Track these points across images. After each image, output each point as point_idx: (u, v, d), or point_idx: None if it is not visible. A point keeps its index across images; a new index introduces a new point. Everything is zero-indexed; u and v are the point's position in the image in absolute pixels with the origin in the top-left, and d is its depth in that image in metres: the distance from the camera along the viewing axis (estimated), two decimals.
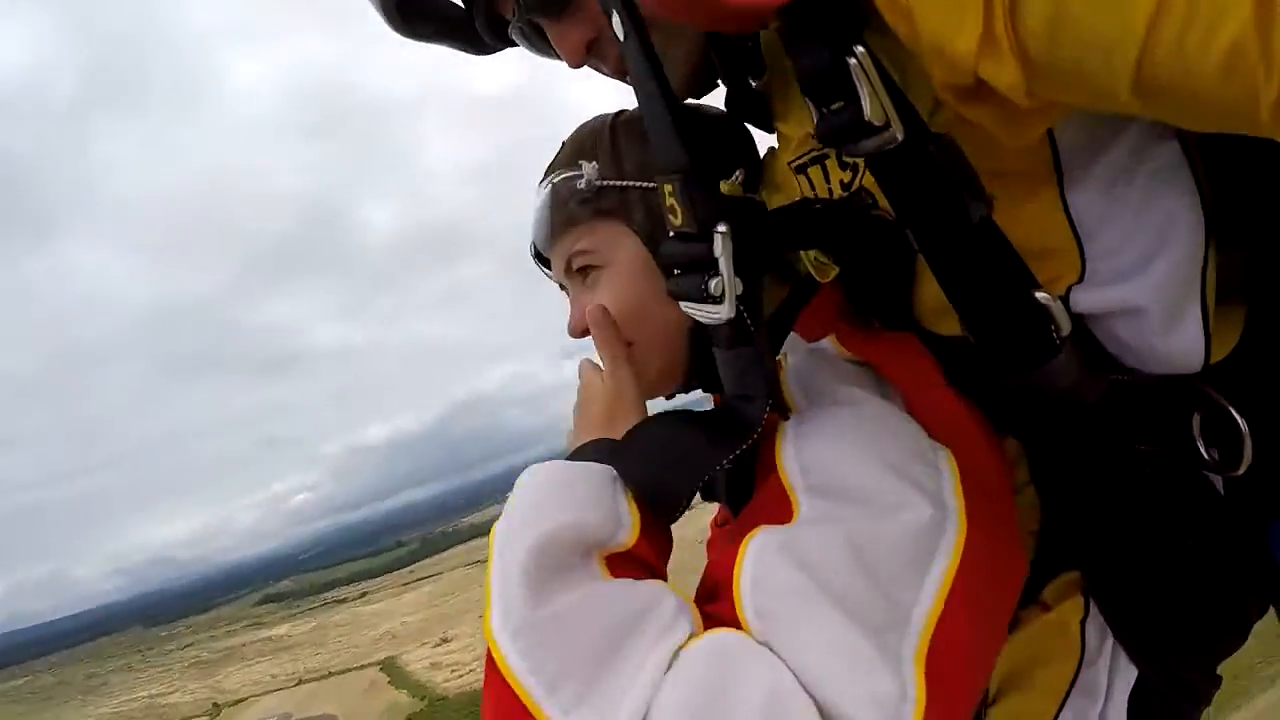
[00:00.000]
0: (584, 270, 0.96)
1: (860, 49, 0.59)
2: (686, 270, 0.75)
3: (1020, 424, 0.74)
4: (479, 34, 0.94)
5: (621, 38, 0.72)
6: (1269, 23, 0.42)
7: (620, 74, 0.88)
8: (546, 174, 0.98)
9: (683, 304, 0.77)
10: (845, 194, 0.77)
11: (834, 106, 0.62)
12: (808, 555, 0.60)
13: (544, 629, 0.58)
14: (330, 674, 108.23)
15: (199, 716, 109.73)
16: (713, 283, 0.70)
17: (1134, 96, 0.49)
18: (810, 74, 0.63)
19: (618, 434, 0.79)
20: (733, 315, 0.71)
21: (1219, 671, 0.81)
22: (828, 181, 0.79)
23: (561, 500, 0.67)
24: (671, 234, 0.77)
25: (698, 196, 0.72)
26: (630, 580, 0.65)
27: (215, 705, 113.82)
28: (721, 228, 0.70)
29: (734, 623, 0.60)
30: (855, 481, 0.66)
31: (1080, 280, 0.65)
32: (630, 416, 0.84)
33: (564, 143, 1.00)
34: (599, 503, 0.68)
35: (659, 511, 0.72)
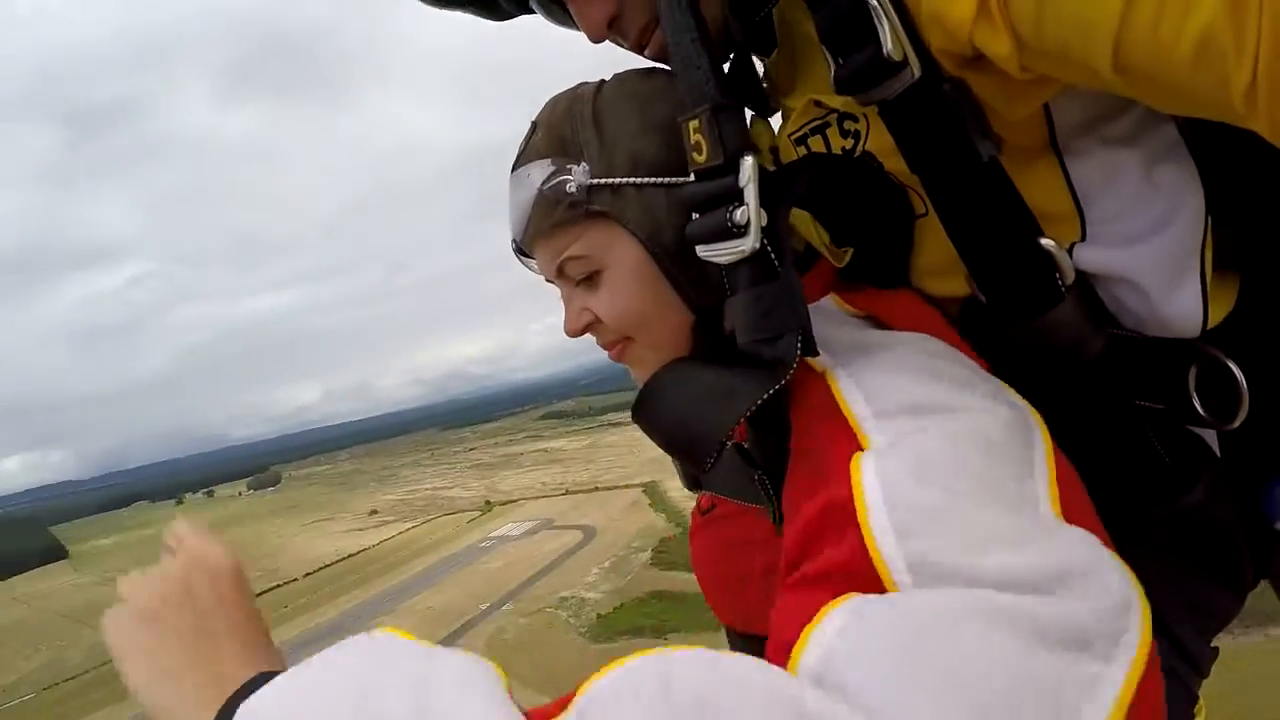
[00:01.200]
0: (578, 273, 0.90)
1: None
2: (708, 208, 0.73)
3: (1021, 379, 0.69)
4: (498, 2, 0.96)
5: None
6: (1239, 10, 0.43)
7: (640, 48, 0.89)
8: (520, 160, 0.90)
9: (702, 249, 0.75)
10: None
11: (852, 56, 0.64)
12: (926, 466, 0.56)
13: None
14: (595, 489, 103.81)
15: (472, 510, 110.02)
16: (738, 212, 0.69)
17: (1116, 76, 0.51)
18: (832, 17, 0.64)
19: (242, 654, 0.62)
20: (757, 247, 0.69)
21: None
22: (828, 149, 0.80)
23: None
24: (693, 176, 0.76)
25: (727, 127, 0.71)
26: None
27: (488, 502, 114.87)
28: (748, 157, 0.69)
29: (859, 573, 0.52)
30: (938, 397, 0.63)
31: (1082, 239, 0.67)
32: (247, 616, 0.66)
33: (536, 125, 0.91)
34: None
35: (690, 464, 0.73)
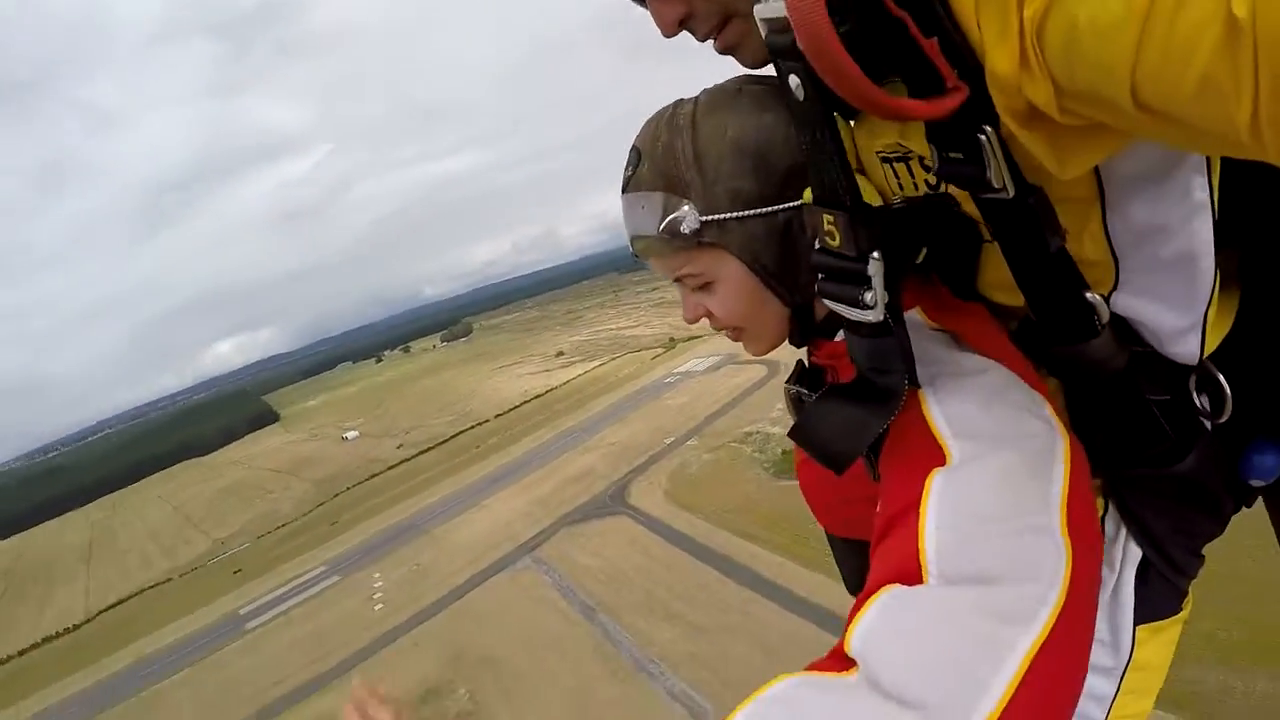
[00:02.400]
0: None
1: (989, 128, 0.69)
2: (838, 279, 0.89)
3: (1059, 372, 0.93)
4: None
5: (801, 97, 0.80)
6: (1234, 49, 0.46)
7: (705, 40, 1.01)
8: (631, 187, 1.06)
9: (830, 304, 0.92)
10: (930, 192, 0.88)
11: (954, 156, 0.74)
12: (970, 491, 0.78)
13: None
14: None
15: (656, 347, 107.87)
16: (867, 295, 0.84)
17: (1141, 115, 0.56)
18: (942, 134, 0.74)
19: None
20: (880, 319, 0.86)
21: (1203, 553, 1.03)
22: (913, 178, 0.89)
23: None
24: (821, 247, 0.91)
25: (862, 232, 0.84)
26: None
27: (671, 340, 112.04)
28: (876, 254, 0.84)
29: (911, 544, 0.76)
30: (995, 429, 0.83)
31: (1116, 287, 0.82)
32: None
33: (640, 154, 1.05)
34: None
35: (832, 470, 0.91)
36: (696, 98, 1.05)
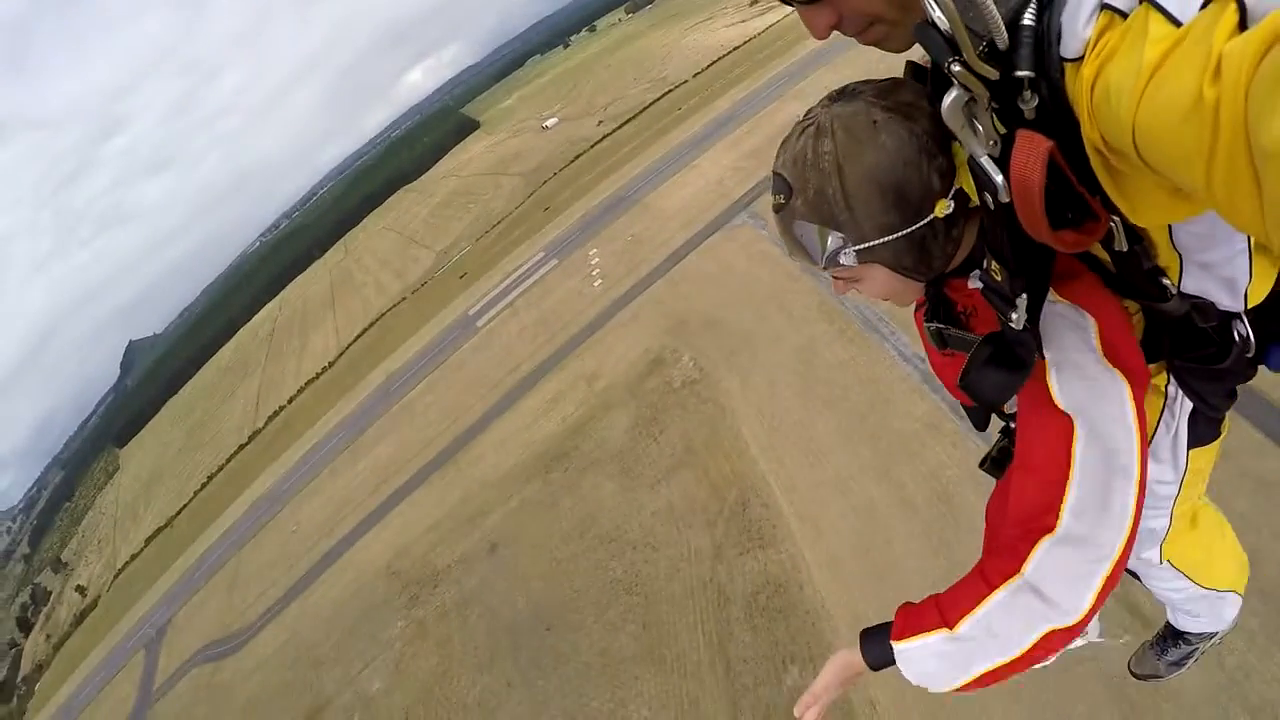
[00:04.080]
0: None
1: (1116, 219, 1.02)
2: (995, 296, 1.22)
3: (1143, 308, 1.31)
4: None
5: (991, 206, 1.06)
6: (1200, 121, 0.61)
7: (852, 36, 1.19)
8: (785, 214, 1.31)
9: (985, 298, 1.27)
10: None
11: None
12: (1087, 445, 1.19)
13: None
14: None
15: None
16: (1014, 315, 1.17)
17: (1148, 170, 0.76)
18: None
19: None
20: (1021, 329, 1.18)
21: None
22: None
23: None
24: (986, 270, 1.23)
25: (1017, 282, 1.16)
26: None
27: None
28: (1024, 295, 1.16)
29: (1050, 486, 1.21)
30: (1091, 404, 1.20)
31: (1181, 278, 1.16)
32: None
33: (791, 188, 1.28)
34: None
35: (984, 406, 1.43)
36: (834, 132, 1.22)
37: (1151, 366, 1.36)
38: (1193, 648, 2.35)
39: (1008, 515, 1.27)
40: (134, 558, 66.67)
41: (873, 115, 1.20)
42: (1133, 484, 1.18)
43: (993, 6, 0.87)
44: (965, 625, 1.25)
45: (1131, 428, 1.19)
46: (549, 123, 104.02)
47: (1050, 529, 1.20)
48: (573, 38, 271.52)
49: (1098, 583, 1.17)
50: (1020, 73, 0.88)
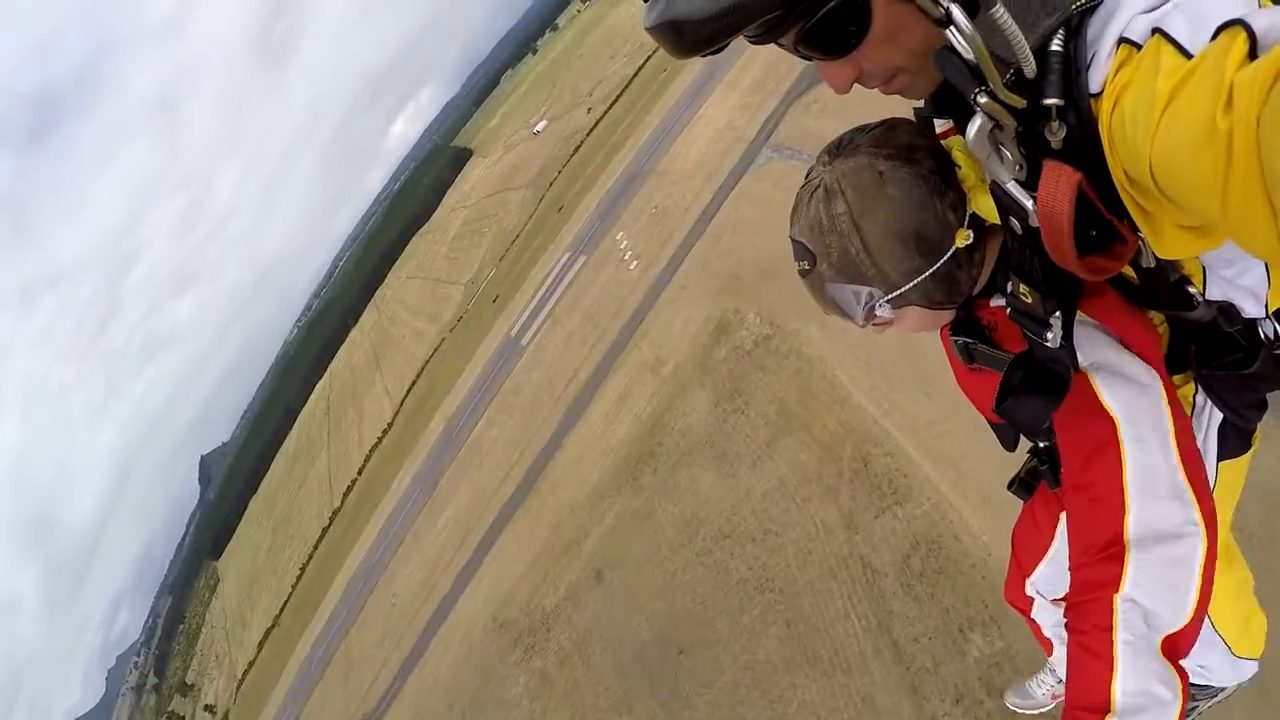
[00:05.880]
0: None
1: (1143, 239, 0.99)
2: (1027, 318, 1.23)
3: (1168, 318, 1.34)
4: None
5: (1019, 230, 1.09)
6: (1214, 151, 0.61)
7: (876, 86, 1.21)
8: (813, 277, 1.39)
9: (1016, 320, 1.27)
10: None
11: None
12: (1140, 440, 1.20)
13: None
14: None
15: None
16: (1049, 335, 1.19)
17: (1165, 200, 0.77)
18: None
19: None
20: (1058, 346, 1.20)
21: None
22: None
23: None
24: (1014, 295, 1.22)
25: (1049, 302, 1.17)
26: None
27: None
28: (1057, 314, 1.17)
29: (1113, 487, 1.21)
30: (1134, 403, 1.21)
31: (1205, 287, 1.17)
32: None
33: (814, 255, 1.36)
34: None
35: (1022, 432, 1.52)
36: (843, 192, 1.27)
37: (1178, 377, 1.39)
38: (1194, 704, 2.15)
39: (1073, 545, 1.26)
40: (251, 665, 67.06)
41: (877, 167, 1.26)
42: (1180, 472, 1.20)
43: (1021, 35, 0.84)
44: (1118, 700, 1.16)
45: (1165, 417, 1.23)
46: (538, 127, 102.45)
47: (1122, 554, 1.19)
48: (538, 42, 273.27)
49: (1197, 567, 1.17)
50: (1048, 100, 0.87)
